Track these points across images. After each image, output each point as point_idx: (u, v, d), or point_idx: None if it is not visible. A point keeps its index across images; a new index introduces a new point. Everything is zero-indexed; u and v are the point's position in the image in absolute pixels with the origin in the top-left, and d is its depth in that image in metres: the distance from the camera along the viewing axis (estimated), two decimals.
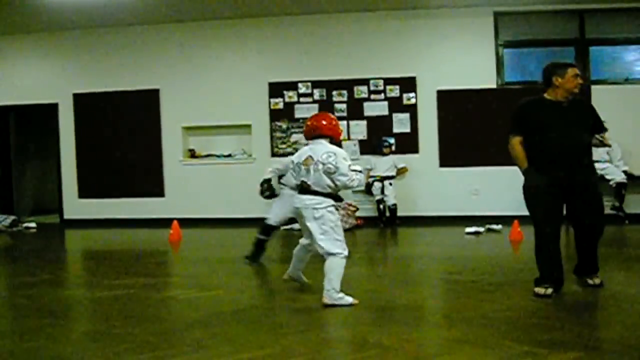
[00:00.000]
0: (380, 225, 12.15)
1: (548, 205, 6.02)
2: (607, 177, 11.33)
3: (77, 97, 13.61)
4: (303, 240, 6.37)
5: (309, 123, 6.28)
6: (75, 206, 13.74)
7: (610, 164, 11.50)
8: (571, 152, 6.00)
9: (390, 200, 12.22)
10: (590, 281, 6.28)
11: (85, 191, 13.68)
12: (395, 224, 12.18)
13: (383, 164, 12.29)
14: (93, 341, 5.09)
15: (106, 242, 11.66)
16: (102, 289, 7.07)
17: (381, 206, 12.25)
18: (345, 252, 5.99)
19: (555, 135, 5.98)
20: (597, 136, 6.19)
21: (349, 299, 5.88)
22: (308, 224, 5.97)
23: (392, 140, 12.52)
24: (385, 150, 12.34)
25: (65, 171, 13.79)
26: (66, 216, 13.85)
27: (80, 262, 10.29)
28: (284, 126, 12.97)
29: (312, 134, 6.20)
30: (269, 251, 10.09)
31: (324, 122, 6.21)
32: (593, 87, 12.11)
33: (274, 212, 8.61)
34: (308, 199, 5.96)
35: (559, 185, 5.98)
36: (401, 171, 12.47)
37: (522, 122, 6.24)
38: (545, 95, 6.21)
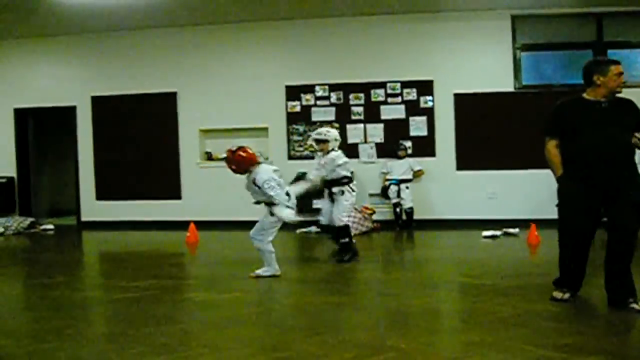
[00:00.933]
0: (396, 229, 12.11)
1: (579, 215, 5.69)
2: None
3: (95, 99, 13.67)
4: None
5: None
6: (92, 208, 13.80)
7: None
8: (610, 158, 5.55)
9: (406, 204, 12.19)
10: (635, 306, 5.51)
11: (102, 193, 13.73)
12: (412, 227, 12.14)
13: (399, 167, 12.26)
14: (110, 343, 5.12)
15: (123, 244, 11.71)
16: (119, 290, 7.10)
17: (397, 209, 12.21)
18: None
19: (593, 138, 5.57)
20: (636, 134, 5.56)
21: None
22: None
23: (408, 144, 12.48)
24: (401, 153, 12.31)
25: (83, 173, 13.85)
26: (84, 218, 13.91)
27: (98, 264, 10.35)
28: (301, 129, 12.97)
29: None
30: (286, 253, 10.11)
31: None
32: None
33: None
34: None
35: (595, 193, 5.63)
36: (418, 174, 12.42)
37: (558, 124, 5.81)
38: (585, 95, 5.82)
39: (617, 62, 5.75)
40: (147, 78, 13.44)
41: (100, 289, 7.69)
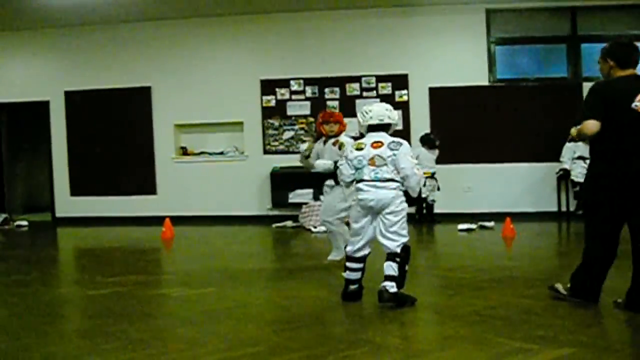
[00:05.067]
0: (423, 223, 11.99)
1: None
2: None
3: (68, 94, 13.57)
4: None
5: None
6: (67, 204, 13.70)
7: None
8: None
9: (433, 195, 12.04)
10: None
11: (77, 189, 13.64)
12: (436, 221, 11.98)
13: (431, 159, 11.90)
14: (85, 339, 5.07)
15: (98, 240, 11.64)
16: (94, 286, 7.05)
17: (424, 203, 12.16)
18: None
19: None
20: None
21: None
22: None
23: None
24: (437, 143, 11.96)
25: (57, 169, 13.76)
26: (58, 214, 13.82)
27: (72, 260, 10.28)
28: (276, 123, 12.96)
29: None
30: (261, 248, 10.12)
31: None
32: (585, 84, 12.13)
33: None
34: None
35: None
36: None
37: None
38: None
39: None
40: (121, 73, 13.36)
41: (74, 285, 7.63)
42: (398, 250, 5.68)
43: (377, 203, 5.71)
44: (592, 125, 5.18)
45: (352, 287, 5.94)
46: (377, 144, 5.83)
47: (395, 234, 5.72)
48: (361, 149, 5.88)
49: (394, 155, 5.75)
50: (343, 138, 7.43)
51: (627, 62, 5.36)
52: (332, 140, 7.54)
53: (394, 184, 5.75)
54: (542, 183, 12.11)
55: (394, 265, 5.63)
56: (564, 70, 12.69)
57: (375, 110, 5.98)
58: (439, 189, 11.89)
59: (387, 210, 5.71)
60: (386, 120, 5.94)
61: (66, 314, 6.17)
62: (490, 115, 12.26)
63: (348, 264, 5.97)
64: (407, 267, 5.75)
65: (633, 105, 5.15)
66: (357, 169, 5.87)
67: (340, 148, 7.21)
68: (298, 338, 4.83)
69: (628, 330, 5.09)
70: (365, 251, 5.95)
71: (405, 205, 5.84)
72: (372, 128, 5.96)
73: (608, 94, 5.26)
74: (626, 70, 5.34)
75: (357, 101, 12.69)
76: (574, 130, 5.54)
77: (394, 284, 5.58)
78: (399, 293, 5.61)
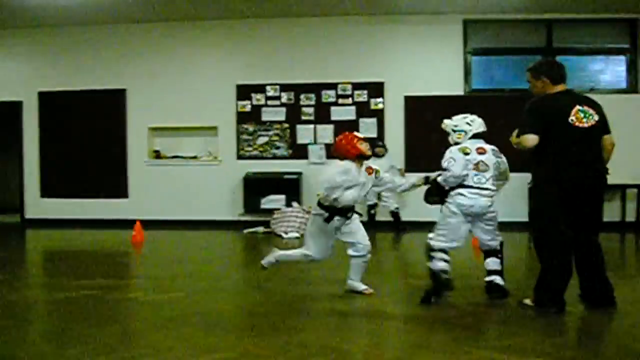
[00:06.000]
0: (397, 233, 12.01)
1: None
2: None
3: (42, 95, 13.44)
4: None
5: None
6: (37, 206, 13.55)
7: None
8: None
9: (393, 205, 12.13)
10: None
11: (47, 190, 13.50)
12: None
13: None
14: (50, 342, 5.01)
15: (67, 243, 11.52)
16: (61, 290, 6.96)
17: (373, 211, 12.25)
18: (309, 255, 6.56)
19: None
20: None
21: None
22: None
23: None
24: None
25: (28, 170, 13.60)
26: (27, 216, 13.65)
27: (40, 262, 10.15)
28: (251, 129, 12.92)
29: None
30: (231, 253, 10.07)
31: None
32: None
33: None
34: None
35: None
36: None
37: None
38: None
39: None
40: (96, 74, 13.26)
41: (41, 288, 7.54)
42: (498, 247, 6.18)
43: (478, 209, 6.07)
44: (531, 140, 5.57)
45: (446, 275, 6.14)
46: (481, 150, 6.21)
47: (494, 233, 6.21)
48: (467, 153, 6.19)
49: (498, 162, 6.21)
50: (373, 165, 6.89)
51: (559, 79, 5.83)
52: (366, 166, 6.71)
53: (492, 192, 6.15)
54: (514, 193, 12.14)
55: (497, 261, 6.14)
56: None
57: (478, 119, 6.42)
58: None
59: (487, 216, 6.15)
60: (484, 129, 6.39)
61: (31, 318, 6.07)
62: None
63: (444, 256, 6.23)
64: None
65: (569, 119, 5.59)
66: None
67: (376, 175, 6.79)
68: (265, 344, 4.80)
69: (593, 341, 5.13)
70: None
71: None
72: (475, 135, 6.35)
73: (546, 110, 5.68)
74: (557, 86, 5.80)
75: (333, 108, 12.70)
76: (514, 139, 5.94)
77: (500, 277, 6.07)
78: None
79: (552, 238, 5.65)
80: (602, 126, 5.72)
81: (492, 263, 6.15)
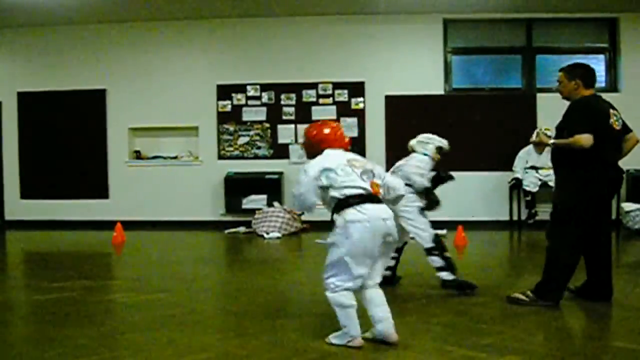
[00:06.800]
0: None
1: None
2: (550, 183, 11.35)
3: (21, 95, 13.33)
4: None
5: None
6: (17, 207, 13.44)
7: None
8: None
9: None
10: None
11: (27, 191, 13.39)
12: None
13: None
14: (29, 344, 5.00)
15: (47, 244, 11.46)
16: (41, 291, 6.93)
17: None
18: (332, 285, 4.81)
19: None
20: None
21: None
22: None
23: None
24: None
25: (8, 171, 13.48)
26: (7, 217, 13.54)
27: (20, 264, 10.08)
28: (232, 129, 12.89)
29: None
30: (212, 254, 10.05)
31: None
32: (539, 94, 12.35)
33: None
34: None
35: None
36: None
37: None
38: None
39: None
40: (75, 74, 13.16)
41: (21, 289, 7.50)
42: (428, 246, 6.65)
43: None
44: (589, 139, 5.65)
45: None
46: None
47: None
48: None
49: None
50: None
51: (591, 83, 5.99)
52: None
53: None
54: (495, 192, 12.23)
55: (434, 259, 6.66)
56: (519, 81, 12.84)
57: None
58: None
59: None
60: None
61: (10, 320, 6.03)
62: (445, 125, 12.29)
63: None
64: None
65: (610, 121, 5.82)
66: None
67: None
68: (246, 345, 4.80)
69: (572, 338, 5.17)
70: None
71: None
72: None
73: (595, 112, 5.84)
74: (588, 90, 5.95)
75: (313, 108, 12.70)
76: (544, 138, 6.34)
77: (445, 272, 6.54)
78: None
79: (577, 236, 5.82)
80: (624, 128, 6.00)
81: (431, 261, 6.62)
